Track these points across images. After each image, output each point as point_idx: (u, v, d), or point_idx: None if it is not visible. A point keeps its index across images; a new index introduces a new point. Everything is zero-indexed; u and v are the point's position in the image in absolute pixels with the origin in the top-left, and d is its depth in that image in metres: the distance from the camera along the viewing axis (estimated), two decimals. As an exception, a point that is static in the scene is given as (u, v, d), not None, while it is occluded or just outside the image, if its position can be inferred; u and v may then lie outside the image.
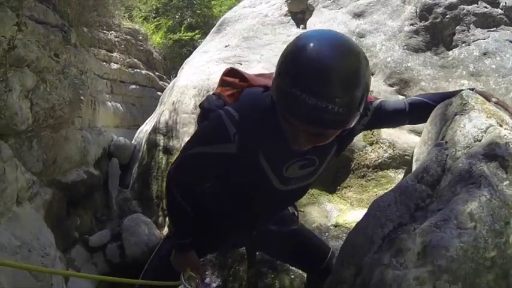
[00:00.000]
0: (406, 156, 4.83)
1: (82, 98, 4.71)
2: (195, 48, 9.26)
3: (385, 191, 4.11)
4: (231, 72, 2.07)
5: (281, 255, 2.88)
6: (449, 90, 2.02)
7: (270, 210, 2.24)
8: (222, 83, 2.09)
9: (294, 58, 1.45)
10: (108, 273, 5.61)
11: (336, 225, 4.41)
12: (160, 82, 11.23)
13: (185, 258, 2.13)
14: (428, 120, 1.83)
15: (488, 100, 1.69)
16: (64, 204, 4.81)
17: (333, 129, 1.51)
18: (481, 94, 1.76)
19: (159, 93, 10.02)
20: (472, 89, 1.79)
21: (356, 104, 1.43)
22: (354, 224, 3.91)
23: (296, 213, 2.54)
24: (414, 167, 1.78)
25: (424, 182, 1.41)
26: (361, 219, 1.50)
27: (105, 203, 6.29)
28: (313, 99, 1.36)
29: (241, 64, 5.96)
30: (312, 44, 1.43)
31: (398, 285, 1.09)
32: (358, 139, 4.95)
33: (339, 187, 4.93)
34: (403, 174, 4.71)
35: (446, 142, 1.49)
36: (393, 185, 4.57)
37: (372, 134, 4.98)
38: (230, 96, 1.94)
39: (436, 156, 1.46)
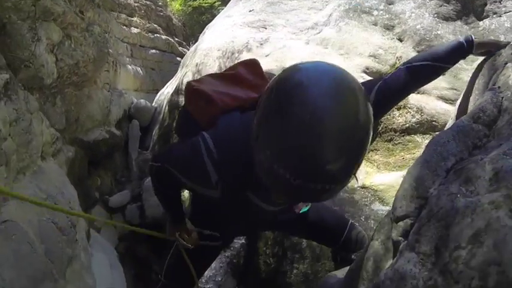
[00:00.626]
0: (433, 122, 4.78)
1: (106, 56, 4.67)
2: (214, 16, 9.15)
3: (412, 156, 4.10)
4: (192, 92, 1.82)
5: (298, 235, 2.89)
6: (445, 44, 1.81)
7: (266, 220, 2.12)
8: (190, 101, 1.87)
9: (274, 128, 1.10)
10: (127, 235, 5.67)
11: (363, 187, 4.40)
12: (180, 48, 11.17)
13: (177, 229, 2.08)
14: (473, 72, 1.82)
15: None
16: (86, 164, 4.82)
17: (319, 201, 1.27)
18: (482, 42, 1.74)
19: (178, 58, 9.96)
20: (471, 37, 1.71)
21: (350, 177, 1.15)
22: (380, 186, 3.91)
23: None
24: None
25: (481, 122, 1.38)
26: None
27: (125, 165, 6.31)
28: (300, 181, 1.07)
29: (265, 28, 5.88)
30: (301, 105, 1.06)
31: (472, 211, 1.06)
32: None
33: None
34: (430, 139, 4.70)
35: (499, 87, 1.46)
36: (420, 150, 4.57)
37: None
38: (204, 119, 1.70)
39: (491, 98, 1.42)
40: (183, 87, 6.34)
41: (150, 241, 5.76)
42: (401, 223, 1.38)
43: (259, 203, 1.70)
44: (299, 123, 1.03)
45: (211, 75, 1.96)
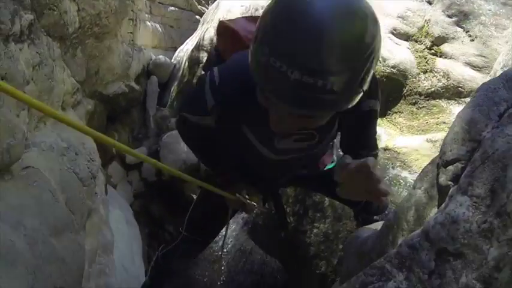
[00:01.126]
0: (459, 88, 4.72)
1: (127, 9, 4.55)
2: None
3: (437, 120, 4.00)
4: (223, 29, 1.81)
5: (321, 191, 2.83)
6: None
7: (276, 173, 2.04)
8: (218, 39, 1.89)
9: (274, 18, 1.09)
10: (142, 193, 5.66)
11: (385, 149, 4.35)
12: (199, 6, 10.98)
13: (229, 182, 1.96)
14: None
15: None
16: (104, 118, 4.78)
17: (324, 111, 1.19)
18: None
19: (197, 17, 9.84)
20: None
21: (357, 81, 1.09)
22: (403, 149, 3.83)
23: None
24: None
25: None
26: (470, 101, 1.45)
27: (143, 121, 6.26)
28: (297, 73, 1.02)
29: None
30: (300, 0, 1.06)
31: (530, 150, 1.06)
32: (412, 65, 4.84)
33: (389, 112, 4.87)
34: (455, 106, 4.63)
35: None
36: (445, 115, 4.52)
37: (427, 62, 4.86)
38: (228, 56, 1.64)
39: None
40: (204, 43, 6.27)
41: (165, 200, 5.77)
42: (451, 167, 1.36)
43: (257, 145, 1.68)
44: (297, 15, 1.03)
45: (245, 17, 1.87)
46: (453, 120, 3.89)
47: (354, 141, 1.76)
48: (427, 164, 1.70)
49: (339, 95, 1.08)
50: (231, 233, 4.76)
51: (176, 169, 5.10)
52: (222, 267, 4.60)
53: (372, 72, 1.14)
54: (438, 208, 1.40)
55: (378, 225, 2.24)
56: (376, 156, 1.82)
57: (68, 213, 2.33)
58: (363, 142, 1.76)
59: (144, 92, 6.25)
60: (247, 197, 1.95)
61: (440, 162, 1.43)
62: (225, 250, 4.20)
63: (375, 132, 1.79)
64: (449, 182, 1.35)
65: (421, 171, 1.71)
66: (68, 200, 2.37)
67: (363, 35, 1.06)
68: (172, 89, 6.60)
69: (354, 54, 1.06)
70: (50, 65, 2.46)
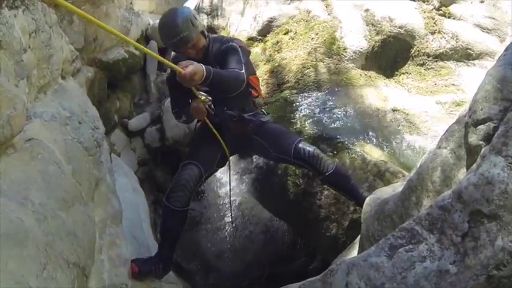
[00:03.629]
0: (468, 50, 4.63)
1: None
2: None
3: (445, 82, 3.94)
4: None
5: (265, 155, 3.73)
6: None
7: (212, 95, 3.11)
8: None
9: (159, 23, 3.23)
10: (146, 160, 5.61)
11: (394, 110, 4.28)
12: (196, -32, 10.70)
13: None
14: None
15: None
16: (105, 86, 4.68)
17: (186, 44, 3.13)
18: None
19: (195, -20, 9.55)
20: None
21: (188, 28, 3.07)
22: (412, 110, 3.80)
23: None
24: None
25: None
26: (500, 57, 1.41)
27: (143, 88, 6.16)
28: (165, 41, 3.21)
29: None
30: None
31: None
32: (420, 26, 4.72)
33: (396, 72, 4.80)
34: (464, 68, 4.53)
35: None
36: (454, 77, 4.42)
37: (435, 23, 4.74)
38: None
39: None
40: (205, 5, 6.12)
41: (169, 166, 5.72)
42: (482, 126, 1.32)
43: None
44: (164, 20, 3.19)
45: None
46: (462, 81, 3.81)
47: (226, 66, 3.07)
48: (453, 123, 1.62)
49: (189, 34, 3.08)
50: (238, 192, 4.77)
51: (180, 134, 5.09)
52: (231, 218, 4.68)
53: (195, 19, 3.16)
54: (468, 169, 1.33)
55: (396, 186, 2.19)
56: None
57: (75, 184, 2.26)
58: (229, 65, 3.07)
59: (144, 57, 6.12)
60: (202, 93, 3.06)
61: (469, 121, 1.36)
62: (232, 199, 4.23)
63: (234, 58, 3.09)
64: (481, 142, 1.30)
65: (446, 130, 1.63)
66: (74, 171, 2.30)
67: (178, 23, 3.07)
68: (172, 53, 6.47)
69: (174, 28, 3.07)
70: (47, 31, 2.36)
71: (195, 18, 3.15)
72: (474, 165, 1.24)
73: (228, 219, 5.10)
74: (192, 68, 2.60)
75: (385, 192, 2.28)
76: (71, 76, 3.28)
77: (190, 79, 2.62)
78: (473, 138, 1.32)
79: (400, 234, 1.29)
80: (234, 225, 5.02)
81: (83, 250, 2.07)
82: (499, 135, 1.18)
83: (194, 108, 3.11)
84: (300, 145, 3.31)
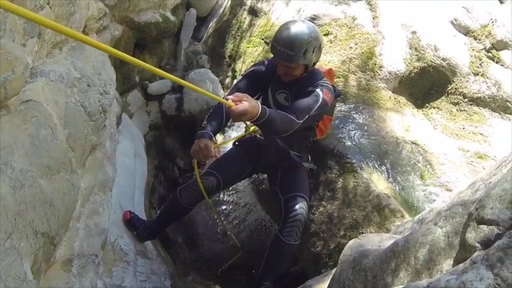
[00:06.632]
0: (508, 103, 4.43)
1: None
2: None
3: (474, 129, 3.77)
4: None
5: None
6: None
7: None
8: None
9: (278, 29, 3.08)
10: (158, 124, 5.55)
11: (413, 143, 4.14)
12: None
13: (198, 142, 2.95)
14: None
15: None
16: (131, 45, 4.58)
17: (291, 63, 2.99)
18: None
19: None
20: None
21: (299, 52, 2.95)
22: (431, 149, 3.66)
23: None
24: None
25: None
26: None
27: (173, 53, 6.05)
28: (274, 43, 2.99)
29: None
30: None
31: None
32: (464, 63, 4.53)
33: (427, 104, 4.65)
34: (498, 119, 4.34)
35: None
36: (484, 126, 4.24)
37: (480, 64, 4.53)
38: None
39: None
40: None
41: (181, 135, 5.66)
42: (484, 227, 1.17)
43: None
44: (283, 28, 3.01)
45: None
46: (491, 133, 3.63)
47: (294, 105, 2.94)
48: (457, 203, 1.49)
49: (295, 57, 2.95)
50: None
51: (197, 108, 5.04)
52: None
53: (312, 52, 3.03)
54: (455, 263, 1.22)
55: (383, 238, 2.09)
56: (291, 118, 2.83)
57: (67, 150, 2.19)
58: (295, 107, 2.92)
59: (180, 24, 6.00)
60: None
61: (474, 215, 1.22)
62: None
63: (306, 104, 2.92)
64: (477, 244, 1.15)
65: (449, 209, 1.51)
66: (69, 136, 2.24)
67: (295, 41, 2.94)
68: (210, 25, 6.35)
69: (298, 45, 2.93)
70: (72, -14, 2.26)
71: (312, 52, 3.01)
72: (461, 266, 1.12)
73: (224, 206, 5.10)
74: (244, 108, 2.37)
75: (370, 241, 2.18)
76: (95, 33, 3.20)
77: (237, 117, 2.45)
78: (472, 236, 1.19)
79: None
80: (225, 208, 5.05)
81: (57, 219, 2.02)
82: (498, 247, 1.05)
83: (195, 150, 2.96)
84: (299, 203, 3.24)
